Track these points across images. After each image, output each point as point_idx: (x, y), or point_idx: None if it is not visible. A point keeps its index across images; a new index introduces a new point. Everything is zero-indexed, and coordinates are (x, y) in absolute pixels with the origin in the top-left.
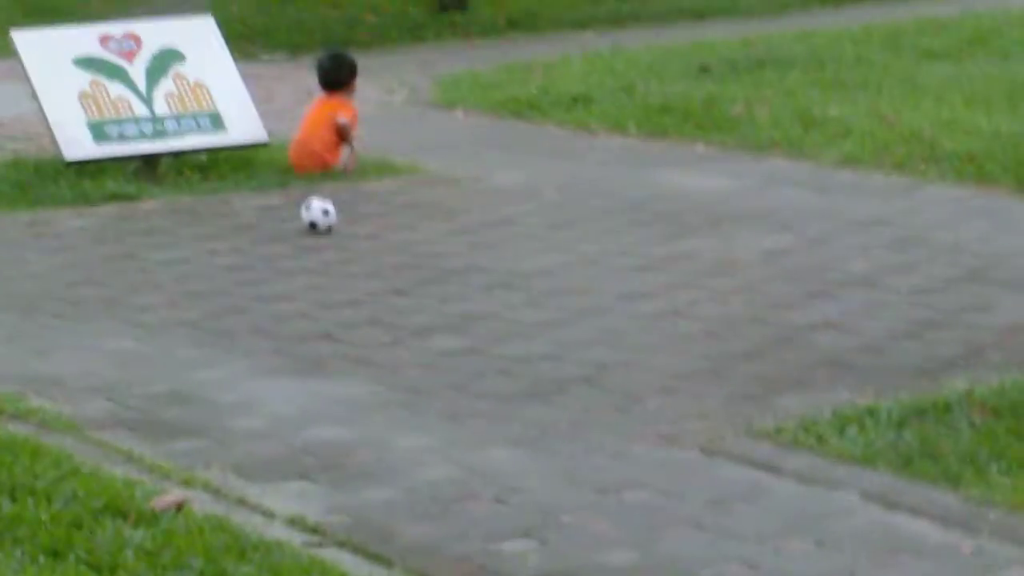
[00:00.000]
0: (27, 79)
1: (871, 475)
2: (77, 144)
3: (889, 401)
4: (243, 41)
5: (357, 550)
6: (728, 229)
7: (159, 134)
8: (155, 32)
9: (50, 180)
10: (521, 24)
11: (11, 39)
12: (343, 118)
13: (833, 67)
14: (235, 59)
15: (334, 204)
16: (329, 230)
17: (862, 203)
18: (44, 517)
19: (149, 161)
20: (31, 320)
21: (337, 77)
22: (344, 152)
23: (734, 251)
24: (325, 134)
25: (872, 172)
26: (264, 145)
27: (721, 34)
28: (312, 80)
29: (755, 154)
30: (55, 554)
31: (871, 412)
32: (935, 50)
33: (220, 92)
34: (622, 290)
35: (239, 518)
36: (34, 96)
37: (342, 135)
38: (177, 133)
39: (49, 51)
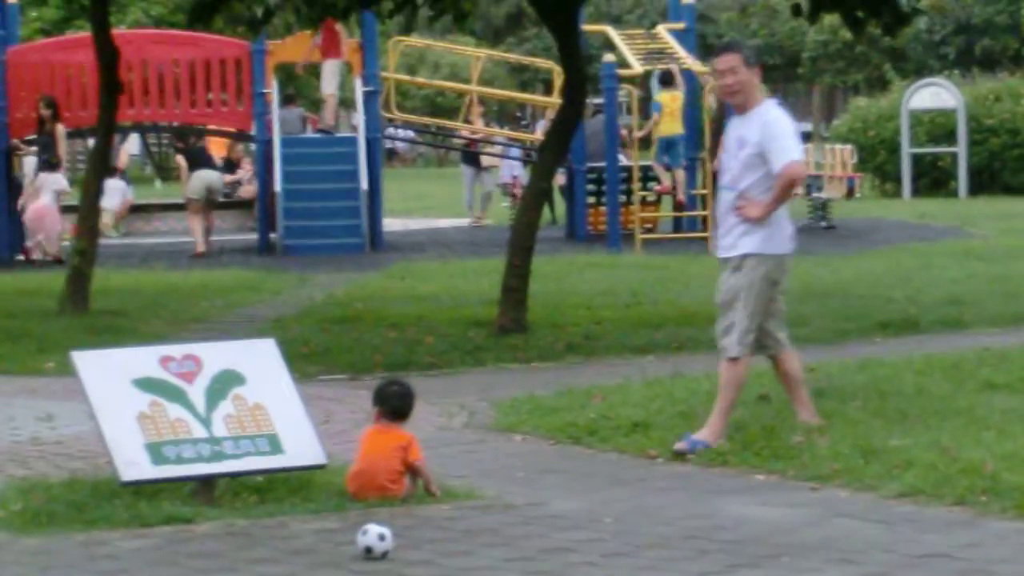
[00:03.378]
0: (86, 399)
1: None
2: (134, 465)
3: None
4: (303, 362)
5: None
6: (789, 560)
7: (217, 456)
8: (216, 354)
9: (106, 500)
10: (580, 348)
11: (71, 359)
12: (418, 460)
13: (894, 397)
14: (295, 380)
15: (391, 529)
16: (385, 555)
17: (923, 536)
18: None
19: (206, 483)
20: None
21: (405, 409)
22: (407, 483)
23: None
24: (391, 465)
25: (933, 504)
26: (322, 467)
27: None
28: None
29: (815, 484)
30: None
31: None
32: (996, 382)
33: (279, 414)
34: None
35: None
36: (92, 416)
37: (416, 473)
38: (235, 455)
39: (109, 371)
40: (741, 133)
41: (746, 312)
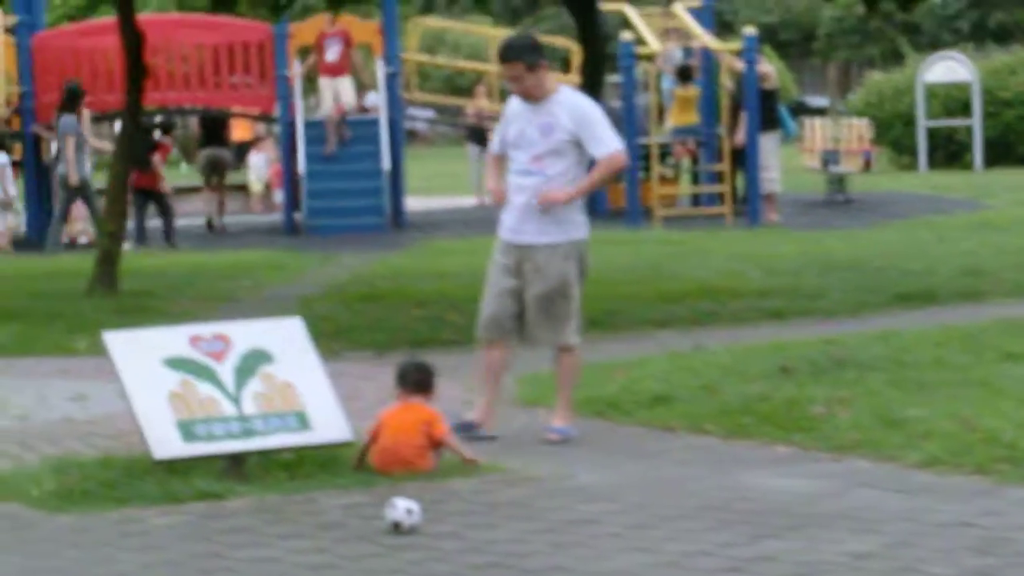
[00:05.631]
0: (118, 379)
1: None
2: (166, 443)
3: None
4: (328, 339)
5: None
6: (811, 531)
7: (247, 433)
8: (244, 333)
9: (138, 479)
10: (601, 323)
11: (103, 340)
12: (444, 435)
13: (913, 368)
14: (321, 358)
15: (418, 503)
16: (412, 529)
17: (944, 505)
18: None
19: (236, 459)
20: None
21: (425, 381)
22: (434, 457)
23: (818, 553)
24: (415, 441)
25: (953, 474)
26: (350, 444)
27: (801, 335)
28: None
29: (836, 455)
30: None
31: None
32: (1015, 352)
33: (307, 391)
34: None
35: None
36: (124, 395)
37: (446, 447)
38: (264, 432)
39: (140, 352)
40: (544, 120)
41: (578, 299)
